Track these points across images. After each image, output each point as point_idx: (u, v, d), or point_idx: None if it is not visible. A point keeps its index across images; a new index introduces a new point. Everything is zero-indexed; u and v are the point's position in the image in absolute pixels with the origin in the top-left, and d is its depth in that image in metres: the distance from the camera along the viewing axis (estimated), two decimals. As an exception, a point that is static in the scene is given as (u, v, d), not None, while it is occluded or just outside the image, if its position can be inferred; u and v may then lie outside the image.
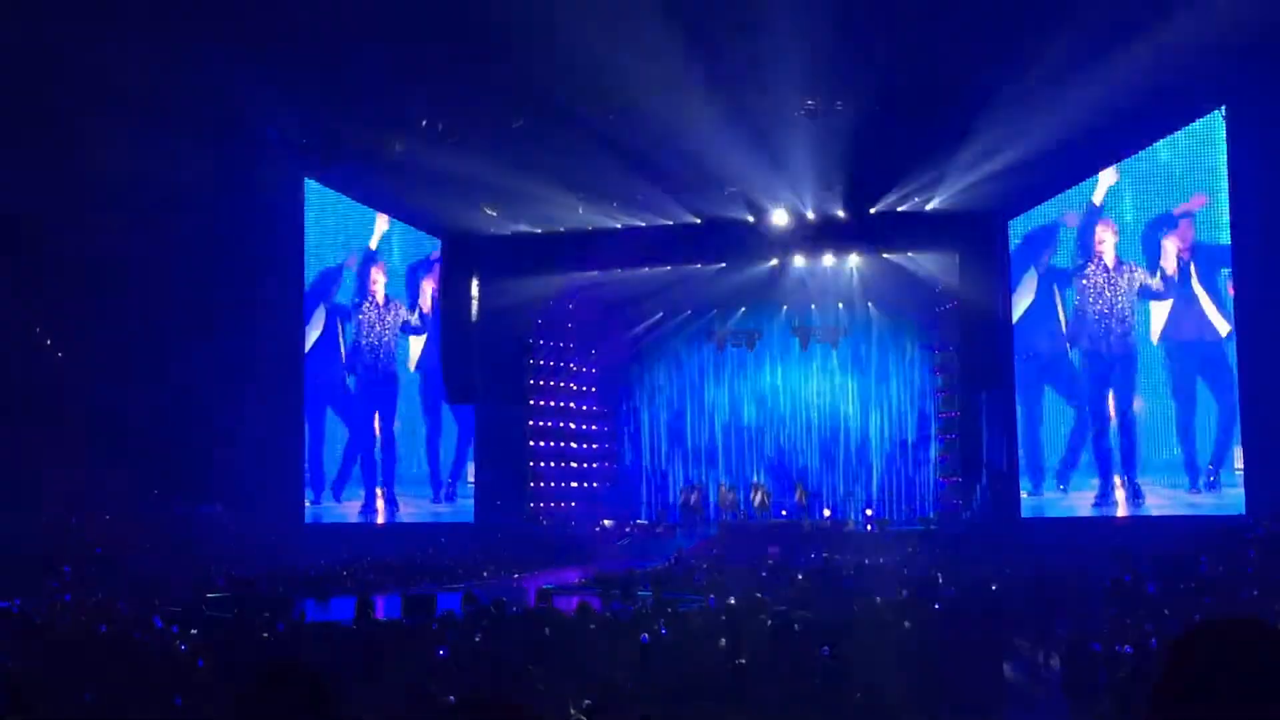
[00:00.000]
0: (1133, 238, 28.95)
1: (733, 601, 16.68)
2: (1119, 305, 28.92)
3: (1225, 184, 27.81)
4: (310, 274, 34.51)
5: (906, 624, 14.48)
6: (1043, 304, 29.78)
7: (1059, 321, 29.56)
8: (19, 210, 28.01)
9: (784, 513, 34.38)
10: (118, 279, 29.71)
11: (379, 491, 34.11)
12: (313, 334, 34.52)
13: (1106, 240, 29.13)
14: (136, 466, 30.96)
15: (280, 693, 2.88)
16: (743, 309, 36.04)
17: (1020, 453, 29.76)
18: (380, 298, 34.53)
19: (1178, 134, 28.47)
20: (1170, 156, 28.67)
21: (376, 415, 34.37)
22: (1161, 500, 28.25)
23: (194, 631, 14.66)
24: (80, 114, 26.83)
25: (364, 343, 34.47)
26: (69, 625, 16.08)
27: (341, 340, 34.49)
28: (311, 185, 33.79)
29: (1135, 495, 28.58)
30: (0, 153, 27.01)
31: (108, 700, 11.34)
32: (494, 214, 31.16)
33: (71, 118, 26.93)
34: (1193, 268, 28.32)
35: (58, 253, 28.99)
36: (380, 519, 33.96)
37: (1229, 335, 27.78)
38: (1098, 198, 29.40)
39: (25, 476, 28.51)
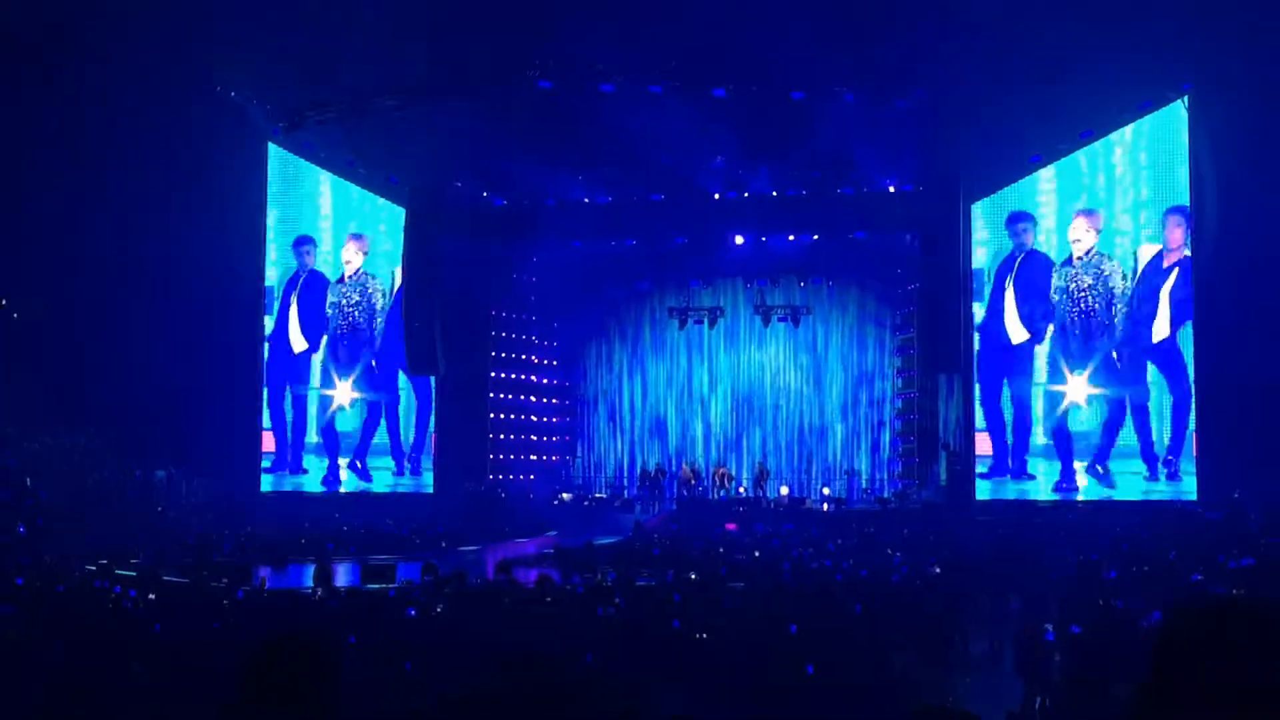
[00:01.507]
0: (1108, 232, 29.10)
1: (693, 576, 16.80)
2: (1093, 298, 29.05)
3: (1186, 173, 28.04)
4: (278, 240, 34.22)
5: (858, 606, 14.62)
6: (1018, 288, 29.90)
7: (1034, 306, 29.70)
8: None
9: (742, 490, 34.57)
10: (77, 240, 29.41)
11: (341, 461, 33.96)
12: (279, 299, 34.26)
13: (1082, 231, 29.29)
14: (96, 430, 30.78)
15: (287, 662, 2.90)
16: (705, 286, 36.12)
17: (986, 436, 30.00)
18: (352, 269, 34.16)
19: (1143, 121, 28.69)
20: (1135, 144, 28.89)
21: (343, 383, 34.12)
22: (1122, 487, 28.62)
23: (151, 596, 14.62)
24: (41, 61, 26.52)
25: (333, 312, 34.18)
26: (23, 587, 15.96)
27: (295, 309, 34.25)
28: (274, 150, 33.51)
29: (1100, 481, 28.87)
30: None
31: (65, 664, 11.31)
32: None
33: (32, 65, 26.60)
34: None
35: (14, 211, 28.64)
36: (341, 489, 33.81)
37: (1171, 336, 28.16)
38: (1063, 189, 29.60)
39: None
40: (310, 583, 16.78)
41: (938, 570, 18.72)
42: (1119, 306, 28.86)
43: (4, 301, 31.75)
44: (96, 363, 29.50)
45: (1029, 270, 29.80)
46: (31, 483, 27.86)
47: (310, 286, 34.28)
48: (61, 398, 30.09)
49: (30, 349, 29.67)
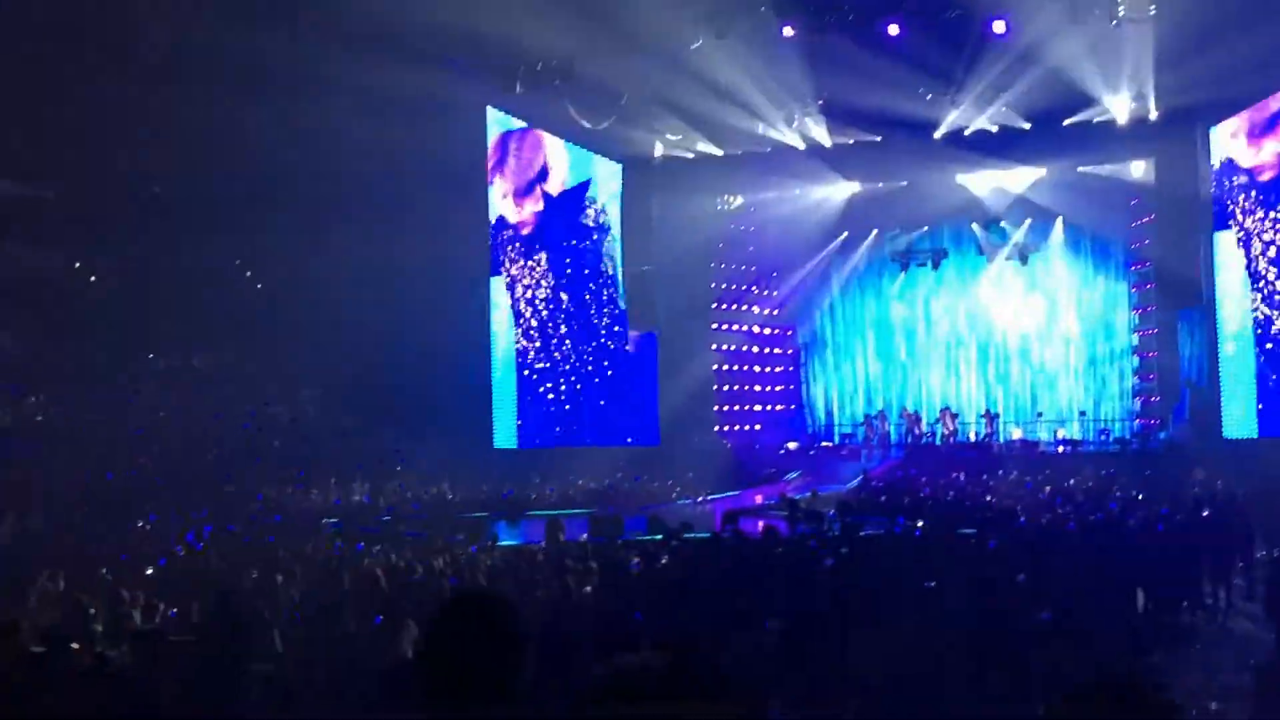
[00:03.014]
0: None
1: (920, 524, 16.53)
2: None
3: None
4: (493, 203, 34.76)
5: (1100, 547, 14.11)
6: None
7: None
8: (220, 153, 28.93)
9: (973, 435, 33.84)
10: (303, 211, 30.41)
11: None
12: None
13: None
14: (333, 395, 32.07)
15: (471, 618, 2.93)
16: (926, 227, 35.36)
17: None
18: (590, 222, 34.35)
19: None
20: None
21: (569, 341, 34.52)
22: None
23: (394, 557, 15.17)
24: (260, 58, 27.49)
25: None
26: (275, 544, 16.79)
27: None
28: (493, 114, 33.95)
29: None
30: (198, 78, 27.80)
31: (313, 617, 11.83)
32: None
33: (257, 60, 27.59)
34: None
35: (252, 181, 29.81)
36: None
37: None
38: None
39: (227, 402, 29.79)
40: (541, 537, 17.14)
41: (1187, 510, 17.94)
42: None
43: (249, 273, 33.20)
44: (333, 328, 30.62)
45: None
46: (278, 445, 29.23)
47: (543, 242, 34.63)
48: (303, 364, 31.44)
49: (273, 318, 30.98)
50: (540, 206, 33.98)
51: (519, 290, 34.01)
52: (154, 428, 27.41)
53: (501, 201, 33.25)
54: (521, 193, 33.81)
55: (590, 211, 34.05)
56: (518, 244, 33.64)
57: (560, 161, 34.32)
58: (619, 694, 2.48)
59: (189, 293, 29.96)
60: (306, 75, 27.68)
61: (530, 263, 34.03)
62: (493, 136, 33.74)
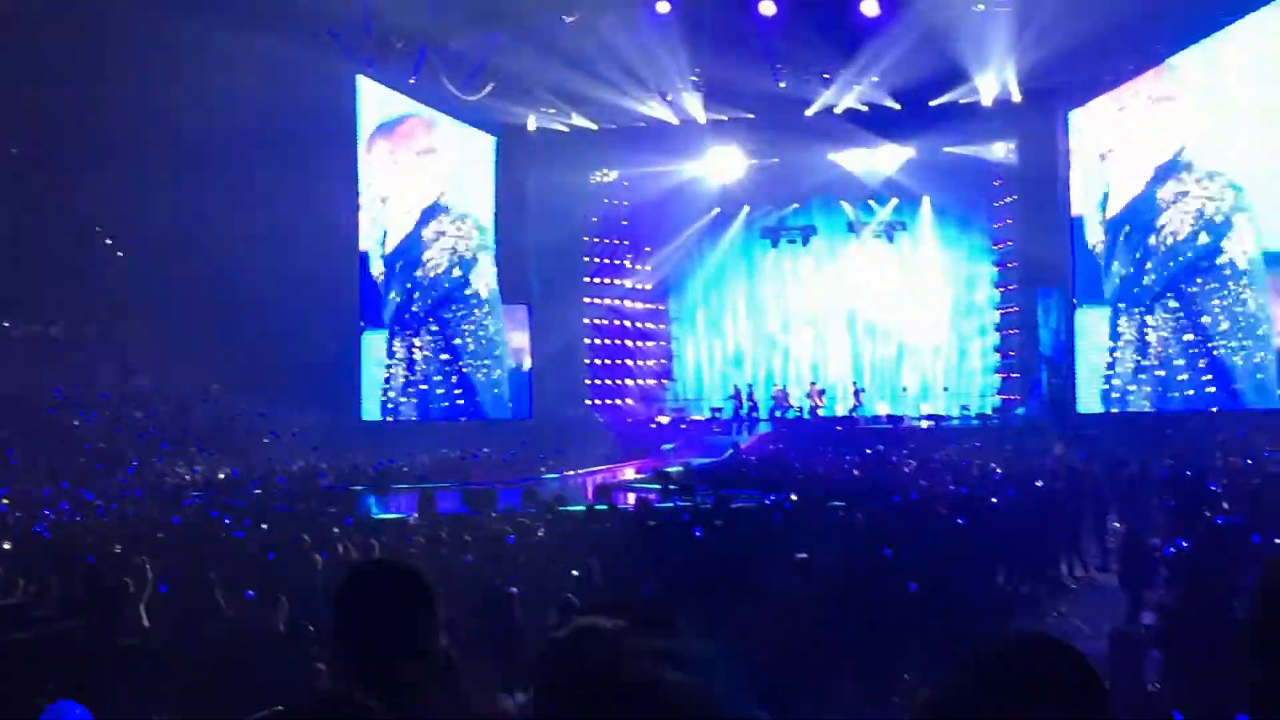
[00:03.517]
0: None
1: (794, 498, 16.81)
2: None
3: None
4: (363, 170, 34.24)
5: (960, 522, 14.52)
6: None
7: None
8: (77, 109, 28.13)
9: (840, 410, 34.45)
10: (173, 174, 29.75)
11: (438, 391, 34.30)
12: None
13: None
14: (197, 365, 31.44)
15: (383, 589, 2.95)
16: (797, 204, 35.81)
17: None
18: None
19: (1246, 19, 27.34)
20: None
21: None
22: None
23: (264, 526, 14.96)
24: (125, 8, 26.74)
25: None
26: (138, 518, 16.44)
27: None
28: (364, 82, 33.43)
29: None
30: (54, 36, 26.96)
31: (181, 591, 11.63)
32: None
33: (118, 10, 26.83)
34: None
35: (113, 147, 29.04)
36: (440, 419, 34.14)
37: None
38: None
39: (85, 372, 29.08)
40: (414, 509, 17.04)
41: (1044, 483, 18.53)
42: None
43: (110, 240, 32.37)
44: (200, 298, 30.02)
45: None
46: (142, 415, 28.60)
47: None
48: (168, 333, 30.76)
49: (136, 286, 30.27)
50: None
51: (392, 260, 33.77)
52: (9, 398, 26.58)
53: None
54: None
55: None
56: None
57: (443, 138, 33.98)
58: (578, 654, 2.51)
59: (46, 259, 29.11)
60: (172, 38, 27.05)
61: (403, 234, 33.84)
62: (369, 114, 33.35)
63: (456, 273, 33.97)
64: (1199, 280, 26.52)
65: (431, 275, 33.97)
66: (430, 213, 33.77)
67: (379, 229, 33.52)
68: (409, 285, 34.06)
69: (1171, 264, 27.29)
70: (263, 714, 3.29)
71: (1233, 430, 24.40)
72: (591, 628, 2.07)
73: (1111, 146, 28.32)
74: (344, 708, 2.27)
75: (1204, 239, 26.54)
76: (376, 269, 33.97)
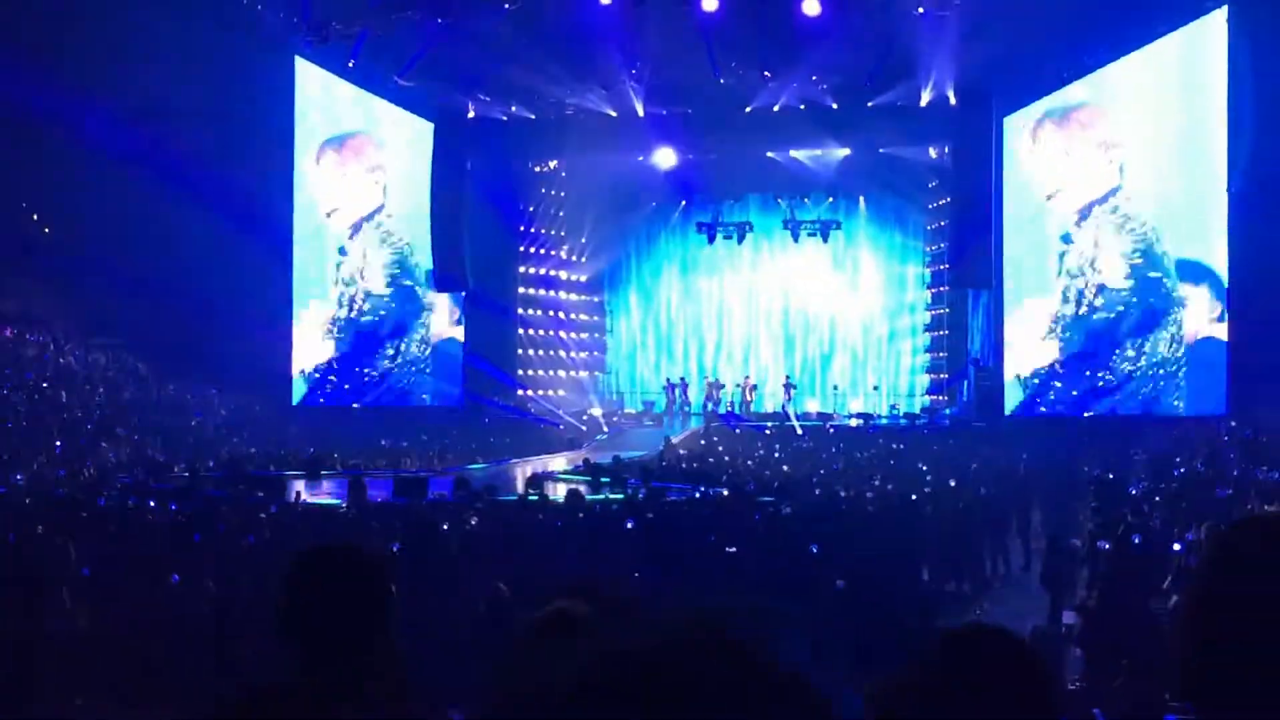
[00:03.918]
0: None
1: (725, 493, 16.92)
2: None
3: (1224, 91, 27.15)
4: (300, 154, 33.99)
5: (886, 519, 14.72)
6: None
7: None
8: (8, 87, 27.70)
9: (770, 406, 34.68)
10: (106, 154, 29.38)
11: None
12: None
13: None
14: (124, 345, 31.07)
15: (338, 573, 2.88)
16: (733, 200, 35.96)
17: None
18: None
19: (1176, 33, 27.88)
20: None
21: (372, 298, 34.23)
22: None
23: (190, 510, 14.81)
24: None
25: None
26: (64, 498, 16.21)
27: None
28: (302, 64, 33.14)
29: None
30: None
31: (105, 574, 11.52)
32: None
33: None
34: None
35: (43, 126, 28.64)
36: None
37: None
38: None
39: (8, 349, 28.63)
40: (344, 496, 16.94)
41: (969, 483, 18.82)
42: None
43: (35, 216, 31.87)
44: (129, 278, 29.62)
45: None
46: (67, 397, 28.18)
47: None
48: (94, 313, 30.36)
49: (63, 264, 29.83)
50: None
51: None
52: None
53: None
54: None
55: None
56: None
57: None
58: (551, 635, 2.54)
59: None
60: (114, 19, 26.75)
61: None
62: (309, 104, 33.21)
63: (393, 264, 33.88)
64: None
65: (366, 268, 33.93)
66: (370, 215, 33.84)
67: (321, 235, 33.63)
68: (345, 276, 33.99)
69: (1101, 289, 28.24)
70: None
71: (1157, 435, 24.94)
72: (559, 612, 2.12)
73: (1055, 187, 28.99)
74: (290, 699, 2.22)
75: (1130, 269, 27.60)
76: (313, 258, 33.85)
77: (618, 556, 11.57)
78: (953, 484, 18.76)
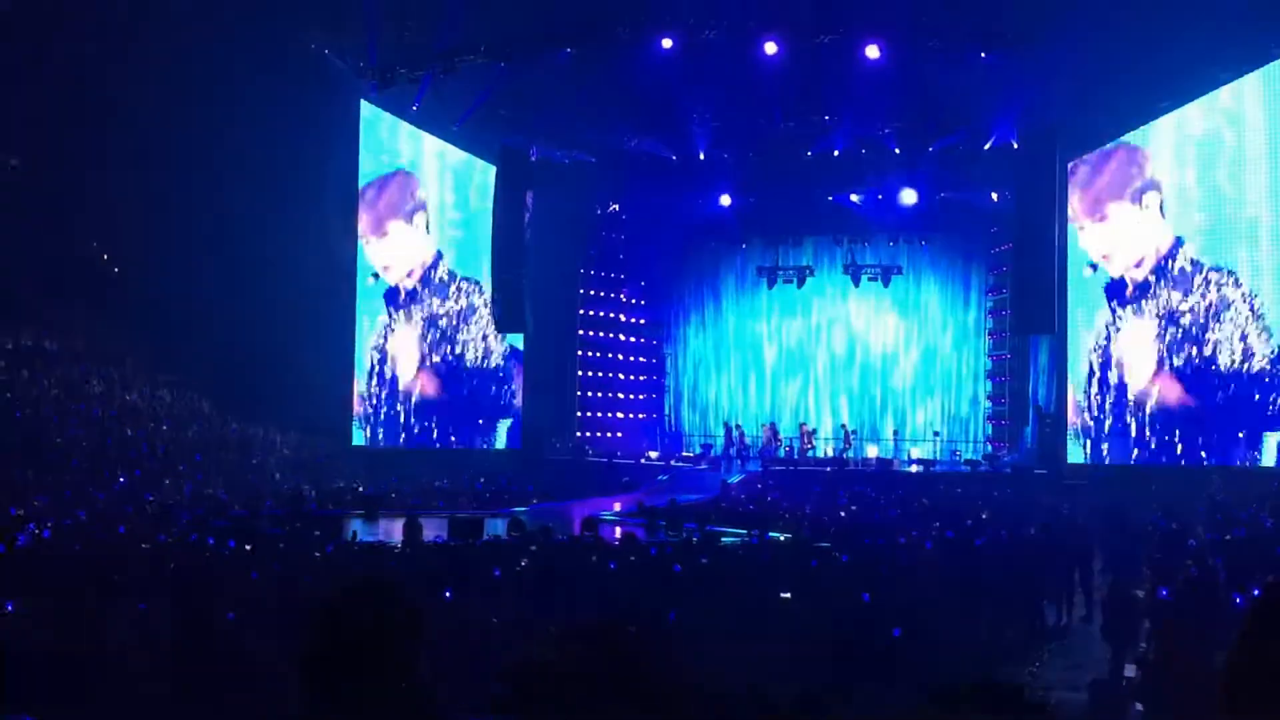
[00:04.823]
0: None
1: (783, 539, 16.82)
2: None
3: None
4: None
5: (946, 568, 14.55)
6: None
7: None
8: (75, 124, 28.30)
9: (830, 451, 34.45)
10: (176, 198, 29.92)
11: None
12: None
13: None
14: (194, 383, 31.48)
15: (371, 608, 2.85)
16: (794, 244, 35.92)
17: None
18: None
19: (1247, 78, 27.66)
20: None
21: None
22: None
23: (248, 548, 14.94)
24: (130, 22, 26.95)
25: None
26: (126, 536, 16.39)
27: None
28: (367, 107, 33.62)
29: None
30: (55, 66, 27.18)
31: (162, 610, 11.62)
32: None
33: (121, 25, 27.04)
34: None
35: (115, 165, 29.20)
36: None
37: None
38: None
39: (78, 386, 29.06)
40: (399, 537, 17.02)
41: (1032, 531, 18.54)
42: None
43: (106, 256, 32.47)
44: (196, 317, 30.08)
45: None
46: (132, 433, 28.55)
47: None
48: (162, 351, 30.80)
49: (131, 303, 30.34)
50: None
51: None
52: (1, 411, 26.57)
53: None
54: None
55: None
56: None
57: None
58: (529, 681, 2.52)
59: (42, 273, 29.16)
60: (184, 62, 27.26)
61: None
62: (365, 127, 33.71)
63: (454, 306, 34.23)
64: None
65: (427, 314, 34.37)
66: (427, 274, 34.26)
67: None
68: (406, 318, 34.43)
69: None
70: None
71: (1221, 485, 24.51)
72: (539, 658, 2.10)
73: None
74: None
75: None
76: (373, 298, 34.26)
77: (669, 601, 11.50)
78: (1008, 532, 18.49)
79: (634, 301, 37.37)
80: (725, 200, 33.43)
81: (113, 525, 17.62)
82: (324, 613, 2.89)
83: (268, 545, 15.33)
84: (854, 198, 32.90)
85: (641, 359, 37.91)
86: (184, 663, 10.28)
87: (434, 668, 3.05)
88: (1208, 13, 23.59)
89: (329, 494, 25.77)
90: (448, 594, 11.64)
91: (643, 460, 34.27)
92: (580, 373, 35.54)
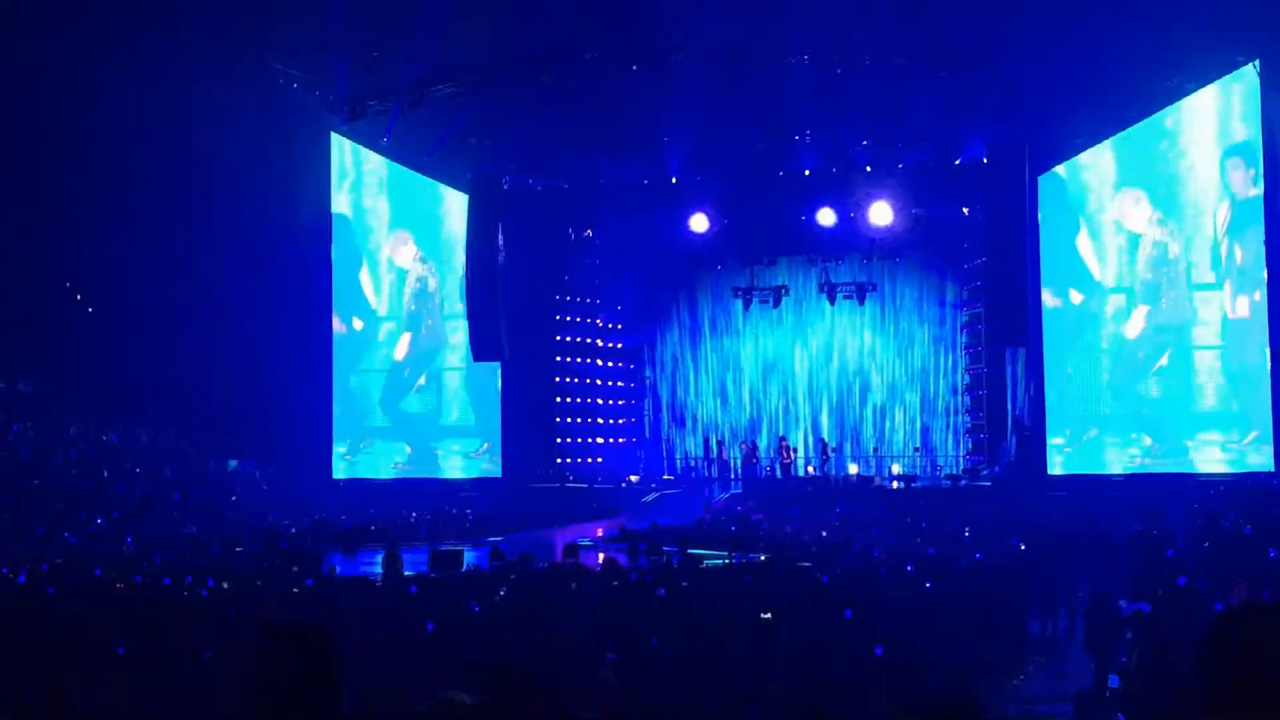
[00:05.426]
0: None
1: (763, 558, 16.79)
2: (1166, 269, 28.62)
3: (1260, 143, 27.30)
4: (337, 225, 34.34)
5: (928, 584, 14.53)
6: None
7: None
8: (46, 160, 28.21)
9: (810, 470, 34.45)
10: (145, 233, 29.82)
11: (407, 449, 34.25)
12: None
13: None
14: (166, 421, 31.31)
15: (290, 649, 2.93)
16: (769, 264, 35.95)
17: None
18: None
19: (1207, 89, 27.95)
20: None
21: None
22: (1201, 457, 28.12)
23: (225, 585, 14.83)
24: (95, 58, 26.86)
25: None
26: (101, 579, 16.25)
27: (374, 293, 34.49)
28: (336, 139, 33.59)
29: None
30: (22, 103, 27.09)
31: (140, 653, 11.53)
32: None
33: (88, 57, 26.95)
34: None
35: (85, 205, 29.10)
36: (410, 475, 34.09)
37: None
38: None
39: (54, 428, 28.90)
40: (379, 569, 16.93)
41: (1015, 544, 18.55)
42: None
43: (80, 296, 32.33)
44: (170, 355, 29.95)
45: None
46: (108, 474, 28.38)
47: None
48: (136, 390, 30.63)
49: (105, 342, 30.19)
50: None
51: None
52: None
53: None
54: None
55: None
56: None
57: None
58: None
59: (15, 314, 29.01)
60: (154, 101, 27.19)
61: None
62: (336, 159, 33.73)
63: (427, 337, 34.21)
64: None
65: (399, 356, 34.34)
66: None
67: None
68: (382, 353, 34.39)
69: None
70: None
71: (1201, 494, 24.59)
72: (447, 702, 2.07)
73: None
74: None
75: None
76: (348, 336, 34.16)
77: (649, 624, 11.44)
78: (984, 552, 18.50)
79: (611, 326, 37.36)
80: (699, 222, 33.46)
81: (89, 568, 17.46)
82: (251, 652, 2.98)
83: (245, 583, 15.21)
84: (826, 220, 32.72)
85: (620, 383, 37.88)
86: (165, 707, 10.20)
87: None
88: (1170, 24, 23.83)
89: (309, 527, 25.63)
90: (430, 626, 11.57)
91: (624, 484, 34.21)
92: (559, 399, 35.47)
